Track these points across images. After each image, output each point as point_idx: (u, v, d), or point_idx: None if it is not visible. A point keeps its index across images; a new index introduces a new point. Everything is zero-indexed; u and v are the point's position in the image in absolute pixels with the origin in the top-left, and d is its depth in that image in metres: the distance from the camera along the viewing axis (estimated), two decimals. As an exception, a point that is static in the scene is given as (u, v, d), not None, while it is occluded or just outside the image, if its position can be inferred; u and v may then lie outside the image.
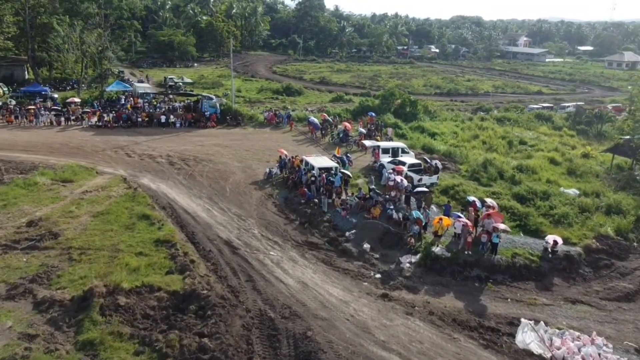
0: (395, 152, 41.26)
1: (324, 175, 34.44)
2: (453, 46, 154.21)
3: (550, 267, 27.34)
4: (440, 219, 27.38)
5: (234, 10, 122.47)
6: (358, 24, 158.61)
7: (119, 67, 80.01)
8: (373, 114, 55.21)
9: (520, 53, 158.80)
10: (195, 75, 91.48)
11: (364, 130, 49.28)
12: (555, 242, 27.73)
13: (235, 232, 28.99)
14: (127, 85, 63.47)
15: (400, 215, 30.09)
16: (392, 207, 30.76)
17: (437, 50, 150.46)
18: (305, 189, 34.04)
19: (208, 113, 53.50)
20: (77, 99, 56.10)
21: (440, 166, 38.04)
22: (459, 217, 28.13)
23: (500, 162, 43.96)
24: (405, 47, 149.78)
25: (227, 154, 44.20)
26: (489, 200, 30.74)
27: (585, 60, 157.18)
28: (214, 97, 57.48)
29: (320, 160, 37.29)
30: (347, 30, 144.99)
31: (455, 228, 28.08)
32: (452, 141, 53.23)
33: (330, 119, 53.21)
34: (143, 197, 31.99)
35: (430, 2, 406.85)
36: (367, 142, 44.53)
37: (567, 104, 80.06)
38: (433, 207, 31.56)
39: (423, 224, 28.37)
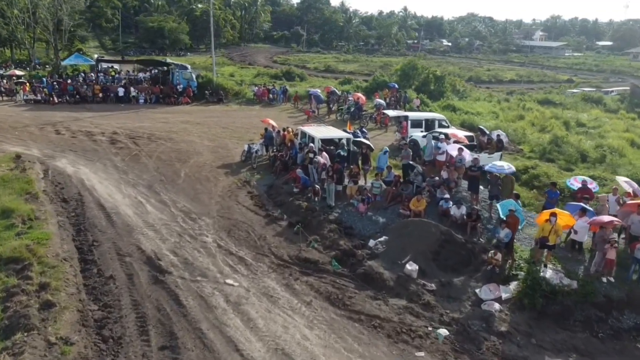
0: (430, 124, 27.80)
1: (329, 150, 21.10)
2: (467, 39, 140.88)
3: None
4: (553, 214, 13.79)
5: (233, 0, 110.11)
6: (366, 17, 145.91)
7: (103, 54, 67.06)
8: (395, 85, 41.80)
9: (537, 47, 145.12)
10: (187, 63, 78.57)
11: (383, 102, 35.82)
12: None
13: (172, 240, 15.68)
14: (88, 58, 50.24)
15: (464, 210, 16.62)
16: (445, 196, 17.29)
17: (450, 44, 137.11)
18: (300, 171, 20.66)
19: (181, 86, 40.25)
20: (18, 72, 43.00)
21: (505, 139, 24.54)
22: (584, 211, 14.49)
23: (577, 141, 30.67)
24: (415, 41, 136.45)
25: (197, 131, 30.86)
26: (622, 180, 16.91)
27: (607, 54, 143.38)
28: (188, 66, 44.20)
29: (323, 131, 23.78)
30: (354, 21, 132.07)
31: (575, 233, 14.55)
32: (494, 122, 40.26)
33: (337, 92, 39.81)
34: (27, 182, 18.71)
35: (438, 2, 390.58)
36: (391, 112, 31.06)
37: (610, 89, 66.90)
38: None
39: (520, 226, 14.91)
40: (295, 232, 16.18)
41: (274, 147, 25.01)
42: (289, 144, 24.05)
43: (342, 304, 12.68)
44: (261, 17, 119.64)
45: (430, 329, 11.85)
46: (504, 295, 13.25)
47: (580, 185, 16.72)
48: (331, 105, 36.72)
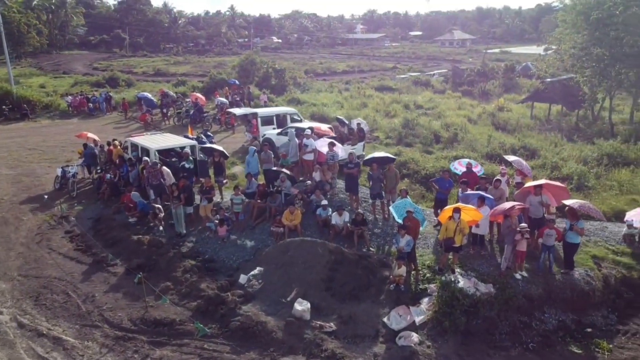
0: (282, 120, 24.69)
1: (171, 163, 16.61)
2: (295, 35, 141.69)
3: (657, 270, 13.07)
4: (456, 210, 11.38)
5: (35, 2, 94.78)
6: (192, 18, 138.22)
7: None
8: (236, 81, 37.92)
9: (360, 39, 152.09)
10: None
11: (225, 101, 31.71)
12: (651, 220, 13.58)
13: (-60, 331, 10.13)
14: None
15: (347, 216, 13.63)
16: (323, 202, 14.13)
17: (280, 41, 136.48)
18: (135, 194, 15.91)
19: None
20: None
21: (366, 128, 22.34)
22: (483, 199, 12.38)
23: (428, 122, 30.25)
24: (246, 39, 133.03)
25: (-8, 157, 23.73)
26: (511, 159, 15.27)
27: (420, 42, 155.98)
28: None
29: (159, 140, 19.04)
30: (180, 22, 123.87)
31: (476, 226, 12.38)
32: (340, 112, 38.90)
33: (172, 94, 34.69)
34: None
35: (262, 1, 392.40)
36: (237, 110, 27.21)
37: (432, 72, 71.44)
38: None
39: (422, 227, 12.25)
40: (138, 283, 11.65)
41: (98, 167, 19.62)
42: (118, 161, 18.92)
43: (219, 385, 8.76)
44: (73, 20, 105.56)
45: (346, 396, 8.53)
46: (417, 319, 10.50)
47: (464, 169, 14.82)
48: (165, 110, 31.59)
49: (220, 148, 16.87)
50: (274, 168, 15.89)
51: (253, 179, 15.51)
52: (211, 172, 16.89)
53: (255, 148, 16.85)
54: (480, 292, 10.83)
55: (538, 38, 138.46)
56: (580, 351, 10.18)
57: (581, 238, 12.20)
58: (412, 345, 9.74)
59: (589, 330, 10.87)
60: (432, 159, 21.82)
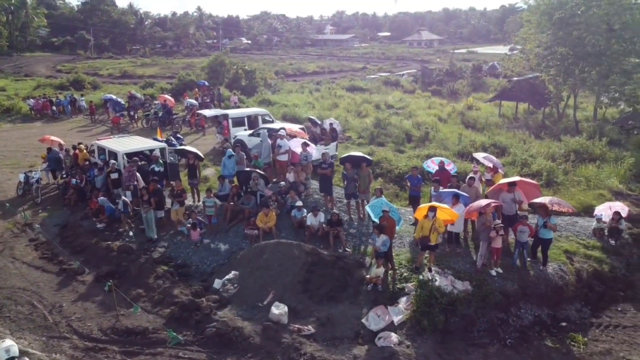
0: (253, 121, 24.39)
1: (130, 168, 16.13)
2: (265, 36, 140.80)
3: (625, 263, 13.35)
4: (431, 209, 11.34)
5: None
6: (159, 19, 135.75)
7: None
8: (205, 82, 37.33)
9: (329, 40, 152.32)
10: None
11: (195, 102, 31.12)
12: (618, 215, 13.85)
13: None
14: None
15: (322, 217, 13.47)
16: (298, 203, 13.92)
17: (249, 42, 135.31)
18: (103, 199, 15.40)
19: None
20: None
21: (339, 128, 22.24)
22: (458, 197, 12.39)
23: (399, 121, 30.43)
24: (215, 41, 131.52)
25: (-51, 164, 22.63)
26: (480, 157, 15.41)
27: (388, 43, 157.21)
28: None
29: (127, 142, 18.46)
30: (146, 23, 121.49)
31: (453, 225, 12.37)
32: (312, 112, 38.80)
33: (139, 96, 33.89)
34: None
35: (231, 1, 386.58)
36: (208, 112, 26.72)
37: (401, 72, 72.18)
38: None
39: (398, 227, 12.15)
40: (108, 291, 11.20)
41: (63, 172, 18.92)
42: (84, 165, 18.29)
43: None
44: (34, 21, 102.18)
45: (327, 401, 8.36)
46: (396, 319, 10.41)
47: (437, 168, 14.84)
48: (133, 113, 30.78)
49: (194, 150, 16.47)
50: (246, 169, 15.59)
51: (226, 181, 15.18)
52: (185, 174, 16.49)
53: (231, 151, 16.45)
54: (457, 290, 10.83)
55: (503, 38, 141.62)
56: (556, 345, 10.27)
57: (553, 233, 12.38)
58: (392, 345, 9.64)
59: (564, 324, 11.00)
60: (405, 157, 21.88)
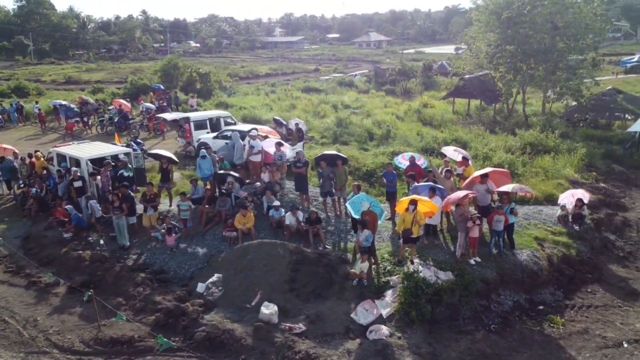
0: (215, 124, 24.10)
1: (106, 172, 15.56)
2: (214, 39, 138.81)
3: (589, 246, 14.08)
4: (412, 202, 11.54)
5: None
6: (102, 22, 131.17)
7: None
8: (160, 86, 36.44)
9: (279, 42, 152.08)
10: None
11: (152, 106, 30.31)
12: (581, 202, 14.58)
13: None
14: None
15: (300, 216, 13.44)
16: (275, 203, 13.83)
17: (198, 45, 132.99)
18: (70, 207, 14.77)
19: None
20: None
21: (304, 128, 22.26)
22: (434, 190, 12.67)
23: (360, 120, 30.80)
24: (162, 44, 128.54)
25: None
26: (450, 151, 15.75)
27: (338, 44, 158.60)
28: None
29: (88, 149, 17.70)
30: (89, 27, 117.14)
31: (431, 218, 12.60)
32: (270, 113, 38.67)
33: (92, 101, 32.66)
34: None
35: (176, 4, 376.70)
36: (168, 115, 26.14)
37: (353, 73, 73.09)
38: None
39: (380, 220, 12.25)
40: (87, 301, 10.71)
41: (20, 182, 17.97)
42: (43, 174, 17.45)
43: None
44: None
45: (328, 396, 8.36)
46: (384, 312, 10.55)
47: (408, 163, 15.15)
48: (86, 119, 29.63)
49: (168, 154, 16.04)
50: (221, 171, 15.34)
51: (199, 184, 14.89)
52: (149, 179, 16.04)
53: (204, 152, 16.10)
54: (441, 280, 11.10)
55: (448, 38, 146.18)
56: (537, 328, 10.71)
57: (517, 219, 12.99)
58: (384, 337, 9.76)
59: (541, 307, 11.48)
60: (371, 155, 22.15)
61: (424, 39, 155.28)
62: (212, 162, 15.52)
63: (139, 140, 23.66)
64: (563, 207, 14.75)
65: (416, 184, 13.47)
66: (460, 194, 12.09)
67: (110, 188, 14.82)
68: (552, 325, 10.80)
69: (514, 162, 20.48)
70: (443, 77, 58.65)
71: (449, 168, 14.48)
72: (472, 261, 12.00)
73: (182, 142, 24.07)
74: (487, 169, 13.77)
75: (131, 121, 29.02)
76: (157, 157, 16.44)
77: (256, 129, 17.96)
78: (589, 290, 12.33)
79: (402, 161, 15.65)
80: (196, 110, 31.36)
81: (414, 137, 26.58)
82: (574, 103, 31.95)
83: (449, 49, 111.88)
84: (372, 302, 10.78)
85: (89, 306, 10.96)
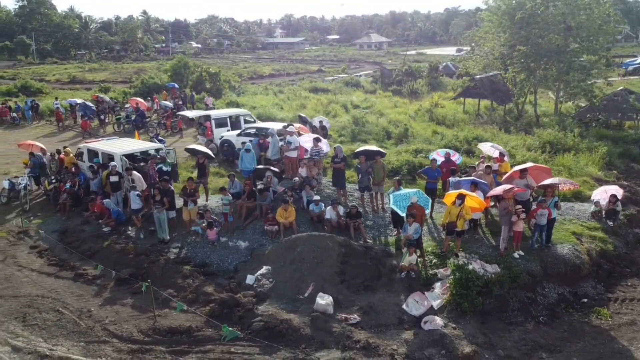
0: (235, 122, 24.24)
1: (153, 165, 15.71)
2: (215, 40, 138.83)
3: (624, 242, 14.27)
4: (460, 196, 11.71)
5: None
6: (103, 23, 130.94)
7: None
8: (175, 85, 36.51)
9: (280, 43, 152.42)
10: None
11: (170, 104, 30.41)
12: (615, 198, 14.77)
13: None
14: None
15: (341, 210, 13.58)
16: (315, 197, 13.97)
17: (199, 46, 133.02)
18: (108, 201, 14.88)
19: None
20: None
21: (328, 125, 22.42)
22: (476, 185, 12.82)
23: (376, 119, 30.99)
24: (164, 45, 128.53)
25: None
26: (487, 146, 15.96)
27: (338, 45, 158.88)
28: None
29: (120, 145, 17.82)
30: (91, 27, 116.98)
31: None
32: (281, 113, 38.81)
33: (108, 99, 32.73)
34: None
35: (176, 4, 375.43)
36: (189, 113, 26.25)
37: (358, 74, 73.31)
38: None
39: (427, 210, 12.40)
40: (144, 291, 10.75)
41: (51, 177, 17.99)
42: (73, 170, 17.52)
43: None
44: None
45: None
46: (435, 303, 10.69)
47: (443, 159, 15.31)
48: (103, 117, 29.68)
49: (205, 149, 16.16)
50: (260, 166, 15.47)
51: (236, 179, 15.01)
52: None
53: (249, 144, 16.19)
54: (488, 272, 11.25)
55: (449, 40, 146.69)
56: (584, 319, 10.86)
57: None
58: (439, 328, 9.89)
59: (585, 300, 11.64)
60: (394, 152, 22.31)
61: (424, 41, 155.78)
62: (254, 156, 15.66)
63: (160, 138, 23.77)
64: (597, 203, 14.93)
65: (457, 178, 13.62)
66: (507, 187, 12.23)
67: (152, 182, 14.92)
68: (599, 317, 10.96)
69: (537, 160, 20.63)
70: (448, 77, 58.94)
71: (489, 164, 14.63)
72: (516, 255, 12.15)
73: (203, 139, 24.18)
74: (527, 164, 13.95)
75: (147, 119, 29.10)
76: (194, 152, 16.54)
77: (293, 125, 18.08)
78: (629, 284, 12.49)
79: (437, 157, 15.80)
80: (212, 108, 31.45)
81: (429, 136, 26.75)
82: (584, 104, 32.18)
83: (450, 50, 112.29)
84: (422, 294, 10.92)
85: (140, 297, 11.07)
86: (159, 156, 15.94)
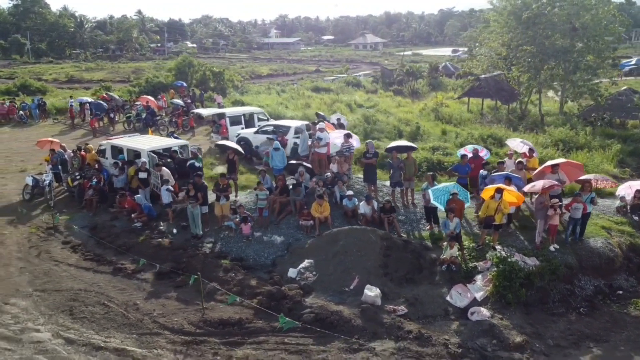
0: (250, 120, 24.29)
1: (166, 164, 15.70)
2: (211, 40, 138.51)
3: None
4: (498, 190, 11.88)
5: None
6: (98, 22, 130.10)
7: None
8: (183, 83, 36.44)
9: (276, 43, 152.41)
10: None
11: (181, 102, 30.38)
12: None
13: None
14: None
15: (375, 205, 13.71)
16: (348, 192, 14.07)
17: (195, 45, 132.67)
18: (140, 197, 14.89)
19: None
20: None
21: (346, 123, 22.53)
22: (510, 180, 13.00)
23: (386, 118, 31.19)
24: (159, 44, 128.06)
25: None
26: (517, 142, 16.15)
27: (333, 46, 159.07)
28: None
29: (143, 141, 17.79)
30: (86, 26, 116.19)
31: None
32: (286, 111, 38.90)
33: (117, 97, 32.62)
34: None
35: (170, 4, 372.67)
36: (204, 111, 26.26)
37: (357, 74, 73.53)
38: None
39: (467, 203, 12.55)
40: (191, 284, 10.80)
41: (74, 174, 17.92)
42: (96, 166, 17.49)
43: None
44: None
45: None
46: (478, 295, 10.84)
47: (471, 155, 15.48)
48: (113, 115, 29.59)
49: (234, 145, 16.21)
50: (293, 161, 15.57)
51: (267, 175, 15.08)
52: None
53: (277, 143, 16.28)
54: (529, 265, 11.42)
55: (443, 41, 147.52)
56: (624, 311, 11.06)
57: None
58: (487, 318, 10.04)
59: (620, 292, 11.85)
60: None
61: (419, 42, 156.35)
62: (284, 154, 15.74)
63: (175, 136, 23.78)
64: (622, 198, 15.17)
65: (492, 173, 13.79)
66: (547, 182, 12.38)
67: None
68: (637, 308, 11.17)
69: (554, 157, 20.89)
70: (448, 77, 59.35)
71: (521, 159, 14.81)
72: (551, 248, 12.34)
73: (217, 137, 24.18)
74: (559, 160, 14.15)
75: (158, 118, 29.04)
76: (224, 148, 16.58)
77: (323, 121, 18.19)
78: (658, 277, 12.70)
79: (466, 153, 15.95)
80: (223, 107, 31.44)
81: (437, 135, 26.97)
82: (592, 102, 32.55)
83: (446, 51, 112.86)
84: (464, 286, 11.07)
85: (183, 290, 11.13)
86: (196, 152, 15.97)
